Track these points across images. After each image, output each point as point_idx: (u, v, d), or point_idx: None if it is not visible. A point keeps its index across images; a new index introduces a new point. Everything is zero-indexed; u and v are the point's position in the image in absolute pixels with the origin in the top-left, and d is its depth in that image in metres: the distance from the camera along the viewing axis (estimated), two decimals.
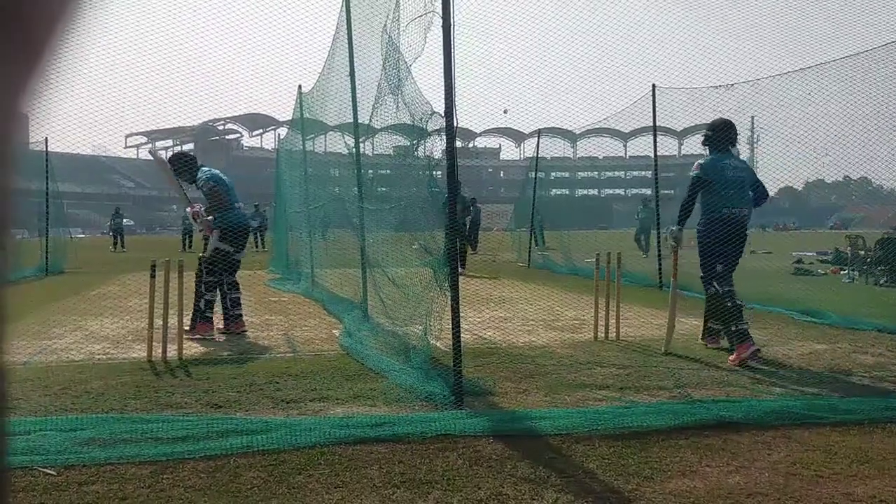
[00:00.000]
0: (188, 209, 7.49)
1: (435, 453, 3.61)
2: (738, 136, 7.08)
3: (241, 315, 7.51)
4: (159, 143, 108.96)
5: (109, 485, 3.18)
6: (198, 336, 6.94)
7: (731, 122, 6.90)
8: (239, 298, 7.50)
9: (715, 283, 6.49)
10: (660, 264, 12.49)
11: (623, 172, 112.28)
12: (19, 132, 0.48)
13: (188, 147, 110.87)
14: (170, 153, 7.78)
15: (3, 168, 0.47)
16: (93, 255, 23.65)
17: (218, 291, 7.28)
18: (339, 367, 5.67)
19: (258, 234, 28.44)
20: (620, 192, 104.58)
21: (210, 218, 7.19)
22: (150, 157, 7.67)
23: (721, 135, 6.78)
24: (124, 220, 33.81)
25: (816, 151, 10.61)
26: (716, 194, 6.49)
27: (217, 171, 7.57)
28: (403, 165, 6.52)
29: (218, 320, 7.45)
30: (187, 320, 6.71)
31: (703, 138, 6.96)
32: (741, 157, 7.30)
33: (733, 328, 6.19)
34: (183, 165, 7.44)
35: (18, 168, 0.49)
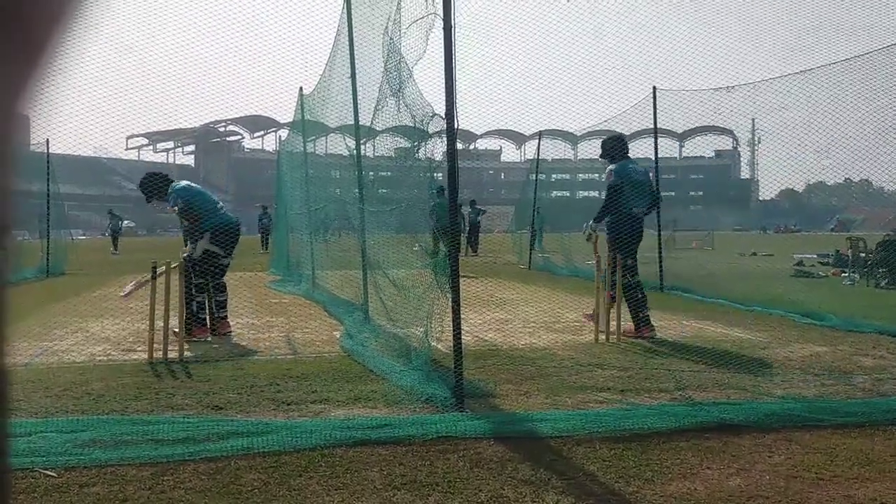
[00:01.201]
0: (184, 258, 7.16)
1: (436, 455, 3.61)
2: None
3: (225, 317, 7.47)
4: (160, 145, 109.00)
5: (110, 486, 3.18)
6: (194, 339, 6.91)
7: (621, 134, 8.04)
8: (225, 301, 7.45)
9: (628, 276, 7.38)
10: (661, 266, 12.49)
11: None
12: (19, 133, 0.47)
13: (189, 149, 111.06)
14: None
15: (4, 169, 0.47)
16: (94, 256, 23.66)
17: (206, 292, 7.23)
18: (339, 369, 5.66)
19: (265, 236, 28.25)
20: None
21: (196, 245, 7.09)
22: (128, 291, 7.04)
23: (618, 145, 7.79)
24: (123, 222, 33.47)
25: (817, 153, 10.63)
26: (624, 195, 7.38)
27: (183, 185, 7.38)
28: (404, 167, 6.52)
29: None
30: (175, 322, 6.64)
31: (601, 152, 7.93)
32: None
33: (642, 314, 7.30)
34: (153, 186, 7.30)
35: (19, 169, 0.49)
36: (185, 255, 7.11)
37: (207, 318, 7.26)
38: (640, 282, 7.52)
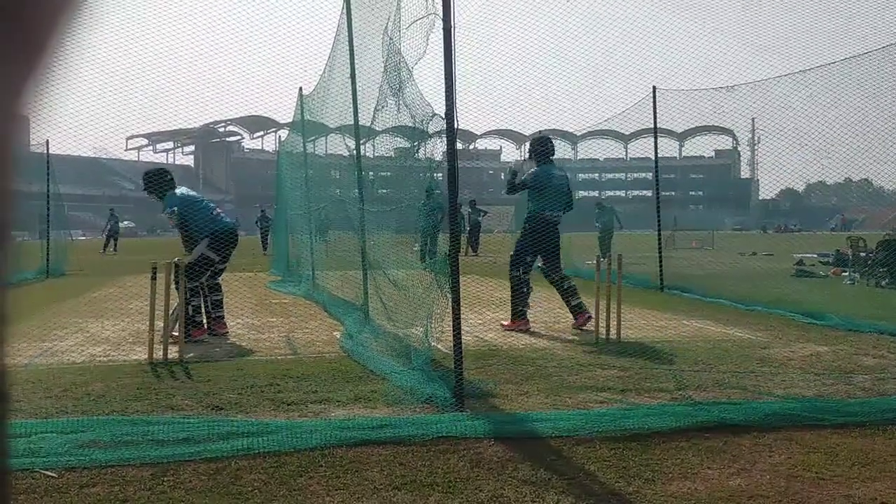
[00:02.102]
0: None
1: (436, 455, 3.61)
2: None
3: (222, 316, 7.47)
4: (160, 146, 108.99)
5: (110, 487, 3.18)
6: (192, 340, 6.89)
7: (548, 136, 8.46)
8: (220, 300, 7.45)
9: (521, 270, 7.85)
10: (661, 266, 12.49)
11: (624, 174, 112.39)
12: (19, 133, 0.47)
13: (189, 149, 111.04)
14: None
15: (5, 169, 0.47)
16: (93, 257, 23.66)
17: (200, 294, 7.24)
18: (339, 369, 5.66)
19: (264, 237, 27.97)
20: (621, 193, 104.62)
21: (198, 249, 7.10)
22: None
23: (541, 148, 8.11)
24: (121, 223, 33.14)
25: (817, 153, 10.63)
26: (543, 199, 7.79)
27: (179, 193, 7.30)
28: (404, 167, 6.52)
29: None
30: (177, 327, 6.63)
31: (528, 153, 8.32)
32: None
33: (520, 307, 7.79)
34: (154, 182, 7.30)
35: (20, 170, 0.49)
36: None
37: (204, 318, 7.26)
38: (528, 279, 7.94)
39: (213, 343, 7.03)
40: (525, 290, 7.87)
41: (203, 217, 7.21)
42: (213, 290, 7.35)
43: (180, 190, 7.42)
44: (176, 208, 7.15)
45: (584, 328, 7.64)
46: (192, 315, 7.01)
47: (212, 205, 7.56)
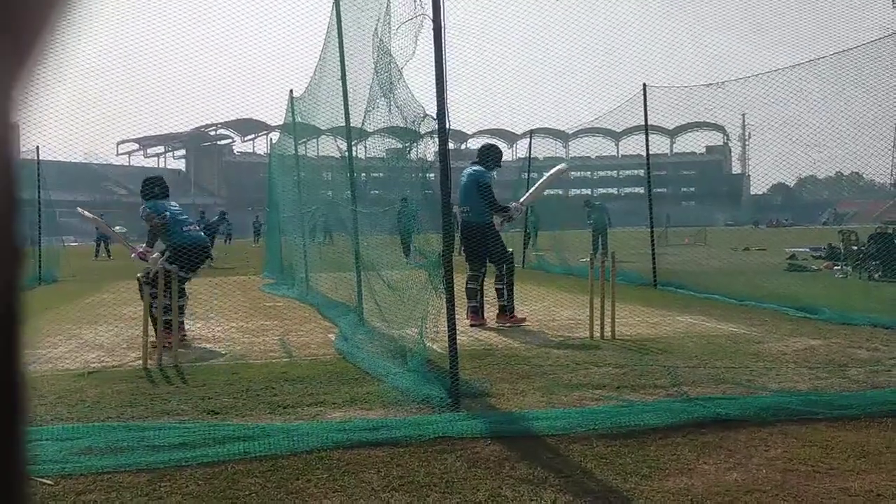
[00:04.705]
0: (132, 255, 7.29)
1: (433, 456, 3.61)
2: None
3: (182, 322, 7.17)
4: (151, 150, 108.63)
5: (107, 493, 3.17)
6: (165, 345, 6.74)
7: (491, 144, 8.91)
8: (184, 306, 7.23)
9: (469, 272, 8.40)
10: (654, 263, 12.51)
11: (615, 172, 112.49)
12: (14, 142, 0.47)
13: (180, 153, 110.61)
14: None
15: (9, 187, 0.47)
16: (86, 263, 23.56)
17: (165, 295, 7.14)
18: (335, 372, 5.66)
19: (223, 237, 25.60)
20: (613, 191, 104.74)
21: (152, 251, 7.13)
22: (86, 215, 7.68)
23: (479, 152, 8.69)
24: (115, 228, 32.73)
25: (807, 147, 10.68)
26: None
27: (162, 203, 7.33)
28: (396, 168, 6.52)
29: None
30: (152, 332, 6.53)
31: None
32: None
33: (469, 304, 8.26)
34: (142, 187, 7.48)
35: (21, 184, 0.48)
36: (137, 256, 7.19)
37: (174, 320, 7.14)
38: (475, 276, 8.36)
39: (207, 348, 7.01)
40: (471, 285, 8.31)
41: (171, 227, 7.16)
42: (179, 294, 7.22)
43: (163, 203, 7.37)
44: (148, 211, 7.20)
45: (519, 325, 8.09)
46: (160, 317, 6.79)
47: (182, 217, 7.48)
